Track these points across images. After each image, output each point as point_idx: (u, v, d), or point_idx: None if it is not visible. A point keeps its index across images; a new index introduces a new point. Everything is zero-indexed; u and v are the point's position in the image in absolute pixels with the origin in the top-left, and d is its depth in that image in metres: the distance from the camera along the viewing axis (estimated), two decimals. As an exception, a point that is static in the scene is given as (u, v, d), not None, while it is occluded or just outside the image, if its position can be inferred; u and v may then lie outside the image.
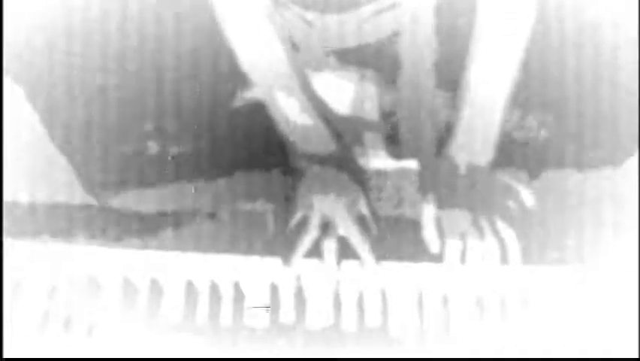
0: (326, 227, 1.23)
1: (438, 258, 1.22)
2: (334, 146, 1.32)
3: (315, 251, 1.21)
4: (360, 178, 1.31)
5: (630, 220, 1.32)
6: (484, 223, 1.22)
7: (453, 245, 1.21)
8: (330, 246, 1.21)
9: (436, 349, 1.16)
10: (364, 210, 1.27)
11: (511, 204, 1.28)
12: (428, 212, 1.24)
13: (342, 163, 1.31)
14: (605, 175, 1.38)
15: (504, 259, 1.20)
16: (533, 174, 1.38)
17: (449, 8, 1.34)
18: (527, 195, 1.31)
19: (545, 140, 1.38)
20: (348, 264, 1.21)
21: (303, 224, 1.23)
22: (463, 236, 1.21)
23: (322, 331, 1.17)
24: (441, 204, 1.25)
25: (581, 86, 1.36)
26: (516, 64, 1.30)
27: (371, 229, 1.24)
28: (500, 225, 1.22)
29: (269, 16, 1.32)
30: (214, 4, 1.32)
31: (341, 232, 1.23)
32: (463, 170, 1.27)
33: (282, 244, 1.23)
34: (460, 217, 1.23)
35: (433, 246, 1.22)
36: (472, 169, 1.28)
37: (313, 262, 1.21)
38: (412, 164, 1.39)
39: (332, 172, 1.29)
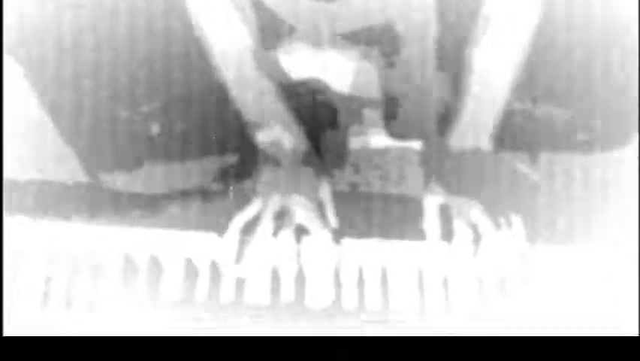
0: (283, 218, 1.23)
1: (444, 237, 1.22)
2: (300, 136, 1.32)
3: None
4: (329, 165, 1.32)
5: (630, 203, 1.32)
6: (490, 208, 1.23)
7: (459, 230, 1.21)
8: (287, 239, 1.22)
9: (437, 326, 1.16)
10: (327, 199, 1.27)
11: (516, 184, 1.28)
12: (431, 201, 1.25)
13: (309, 153, 1.31)
14: (606, 158, 1.38)
15: (510, 241, 1.20)
16: (534, 156, 1.39)
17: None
18: (535, 177, 1.32)
19: (547, 122, 1.39)
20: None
21: (258, 217, 1.24)
22: (468, 221, 1.21)
23: (322, 309, 1.18)
24: (446, 190, 1.25)
25: (587, 72, 1.36)
26: (523, 49, 1.30)
27: (331, 222, 1.25)
28: (506, 209, 1.23)
29: (235, 3, 1.31)
30: None
31: (298, 220, 1.23)
32: (467, 153, 1.27)
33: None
34: (464, 201, 1.24)
35: (431, 234, 1.22)
36: (476, 152, 1.28)
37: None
38: (415, 144, 1.39)
39: (294, 168, 1.29)
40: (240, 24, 1.32)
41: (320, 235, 1.21)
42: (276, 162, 1.30)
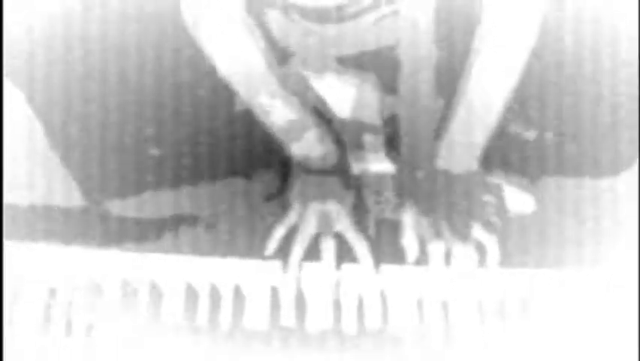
0: (323, 225, 1.23)
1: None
2: (330, 148, 1.32)
3: (314, 253, 1.22)
4: (354, 182, 1.32)
5: (630, 227, 1.32)
6: (470, 229, 1.22)
7: (438, 250, 1.21)
8: (328, 246, 1.21)
9: (436, 351, 1.16)
10: (359, 209, 1.27)
11: (501, 208, 1.28)
12: (407, 218, 1.24)
13: (339, 166, 1.31)
14: (604, 184, 1.39)
15: (483, 263, 1.20)
16: (533, 179, 1.39)
17: (449, 15, 1.34)
18: (528, 200, 1.32)
19: (544, 146, 1.39)
20: (348, 267, 1.21)
21: (300, 222, 1.24)
22: (447, 241, 1.21)
23: (322, 334, 1.18)
24: (429, 211, 1.24)
25: (580, 95, 1.36)
26: (516, 74, 1.30)
27: (368, 231, 1.24)
28: (483, 230, 1.22)
29: (242, 22, 1.32)
30: (184, 16, 1.32)
31: (338, 228, 1.23)
32: (454, 175, 1.27)
33: (281, 248, 1.23)
34: (444, 223, 1.23)
35: (411, 253, 1.22)
36: (464, 174, 1.27)
37: (313, 265, 1.21)
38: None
39: (327, 176, 1.29)
40: (254, 45, 1.32)
41: (359, 245, 1.21)
42: (308, 174, 1.30)
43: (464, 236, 1.20)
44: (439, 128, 1.32)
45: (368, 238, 1.23)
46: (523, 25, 1.29)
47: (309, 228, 1.23)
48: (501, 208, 1.32)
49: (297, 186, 1.29)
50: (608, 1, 1.32)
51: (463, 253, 1.19)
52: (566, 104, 1.36)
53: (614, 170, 1.38)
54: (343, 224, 1.23)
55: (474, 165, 1.28)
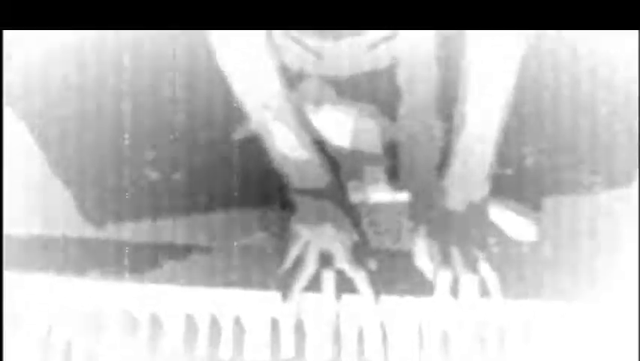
0: (324, 259, 1.23)
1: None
2: (329, 179, 1.32)
3: (314, 285, 1.22)
4: (354, 213, 1.32)
5: (630, 253, 1.33)
6: (473, 258, 1.22)
7: (444, 278, 1.21)
8: (328, 277, 1.21)
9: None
10: (360, 243, 1.27)
11: (502, 239, 1.28)
12: (420, 245, 1.25)
13: (337, 197, 1.31)
14: (602, 202, 1.39)
15: (485, 293, 1.20)
16: (535, 206, 1.39)
17: (448, 39, 1.35)
18: (529, 229, 1.32)
19: (542, 169, 1.39)
20: (347, 298, 1.21)
21: (300, 258, 1.24)
22: (453, 270, 1.21)
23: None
24: (434, 238, 1.24)
25: (576, 114, 1.37)
26: (506, 97, 1.30)
27: (368, 263, 1.24)
28: (485, 261, 1.22)
29: (265, 48, 1.32)
30: (209, 37, 1.33)
31: (338, 264, 1.23)
32: (457, 204, 1.27)
33: (280, 279, 1.23)
34: (451, 252, 1.23)
35: (428, 273, 1.22)
36: (467, 204, 1.28)
37: (313, 296, 1.21)
38: (403, 196, 1.39)
39: (327, 205, 1.29)
40: (272, 71, 1.32)
41: (359, 277, 1.21)
42: (306, 202, 1.30)
43: (473, 267, 1.20)
44: (444, 155, 1.32)
45: (368, 269, 1.23)
46: (508, 50, 1.30)
47: (311, 262, 1.23)
48: (503, 237, 1.33)
49: (295, 216, 1.29)
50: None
51: (471, 283, 1.19)
52: (563, 127, 1.37)
53: (612, 186, 1.38)
54: (343, 257, 1.23)
55: (481, 195, 1.28)
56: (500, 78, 1.28)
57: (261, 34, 1.30)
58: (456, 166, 1.28)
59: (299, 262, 1.23)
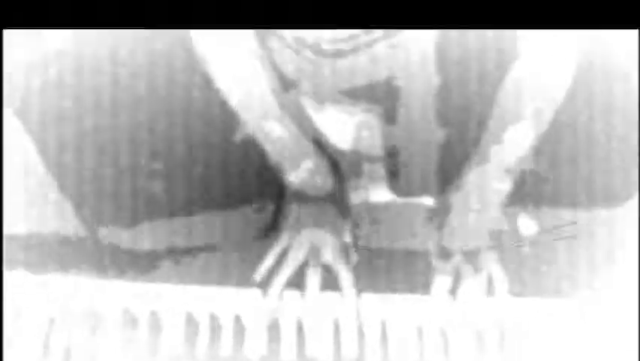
0: (311, 255, 1.24)
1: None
2: (327, 178, 1.32)
3: (299, 282, 1.22)
4: (353, 213, 1.32)
5: (628, 255, 1.33)
6: (482, 258, 1.23)
7: (447, 277, 1.21)
8: (313, 274, 1.22)
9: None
10: (349, 241, 1.27)
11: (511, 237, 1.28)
12: (434, 244, 1.25)
13: (334, 195, 1.32)
14: (601, 216, 1.39)
15: (492, 292, 1.21)
16: (537, 208, 1.39)
17: (449, 45, 1.35)
18: (530, 224, 1.32)
19: (543, 179, 1.39)
20: (332, 296, 1.21)
21: (285, 254, 1.24)
22: (456, 270, 1.22)
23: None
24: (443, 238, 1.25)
25: (575, 128, 1.37)
26: (547, 118, 1.29)
27: (353, 262, 1.25)
28: (493, 260, 1.23)
29: (252, 51, 1.33)
30: (194, 43, 1.33)
31: (325, 259, 1.23)
32: (480, 212, 1.27)
33: (262, 275, 1.23)
34: (454, 251, 1.24)
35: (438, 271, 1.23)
36: (482, 205, 1.28)
37: (295, 293, 1.21)
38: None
39: (321, 204, 1.30)
40: (263, 72, 1.33)
41: (344, 274, 1.21)
42: (303, 201, 1.30)
43: (476, 266, 1.21)
44: (462, 159, 1.31)
45: (352, 265, 1.23)
46: (563, 64, 1.29)
47: (296, 257, 1.23)
48: (514, 236, 1.33)
49: (291, 216, 1.29)
50: (605, 37, 1.33)
51: (473, 282, 1.20)
52: (564, 136, 1.37)
53: (611, 202, 1.39)
54: (331, 254, 1.23)
55: (496, 212, 1.28)
56: (552, 82, 1.28)
57: (253, 37, 1.31)
58: (478, 171, 1.28)
59: (282, 258, 1.23)
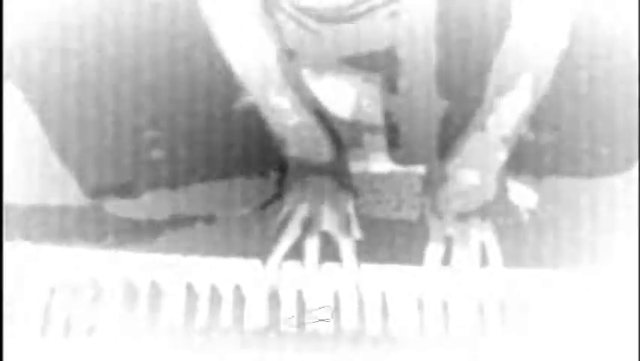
0: (309, 225, 1.23)
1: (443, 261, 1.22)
2: (328, 149, 1.32)
3: (298, 252, 1.22)
4: (352, 182, 1.32)
5: (629, 226, 1.32)
6: (475, 228, 1.22)
7: (437, 247, 1.21)
8: (312, 243, 1.21)
9: (436, 352, 1.16)
10: (351, 213, 1.27)
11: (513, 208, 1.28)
12: (429, 210, 1.25)
13: (335, 166, 1.31)
14: (604, 184, 1.38)
15: (485, 262, 1.20)
16: (538, 178, 1.38)
17: (450, 16, 1.34)
18: (531, 196, 1.31)
19: (544, 148, 1.39)
20: (332, 266, 1.21)
21: (284, 224, 1.24)
22: (449, 237, 1.21)
23: (323, 333, 1.18)
24: (447, 214, 1.24)
25: (577, 99, 1.36)
26: (544, 86, 1.28)
27: (355, 235, 1.24)
28: (487, 229, 1.22)
29: (258, 18, 1.31)
30: (202, 8, 1.32)
31: (325, 227, 1.23)
32: (476, 180, 1.26)
33: (262, 245, 1.23)
34: (447, 217, 1.24)
35: (431, 259, 1.22)
36: (481, 175, 1.27)
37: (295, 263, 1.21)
38: (419, 169, 1.38)
39: (321, 174, 1.29)
40: (269, 41, 1.32)
41: (344, 245, 1.21)
42: (303, 172, 1.30)
43: (467, 237, 1.20)
44: (451, 133, 1.31)
45: (353, 238, 1.23)
46: (556, 28, 1.28)
47: (297, 228, 1.23)
48: (510, 207, 1.32)
49: (293, 187, 1.29)
50: (606, 5, 1.31)
51: (466, 251, 1.19)
52: (564, 105, 1.36)
53: (612, 170, 1.38)
54: (331, 225, 1.23)
55: (492, 180, 1.28)
56: (544, 52, 1.27)
57: (259, 5, 1.30)
58: (468, 145, 1.27)
59: (282, 228, 1.23)
